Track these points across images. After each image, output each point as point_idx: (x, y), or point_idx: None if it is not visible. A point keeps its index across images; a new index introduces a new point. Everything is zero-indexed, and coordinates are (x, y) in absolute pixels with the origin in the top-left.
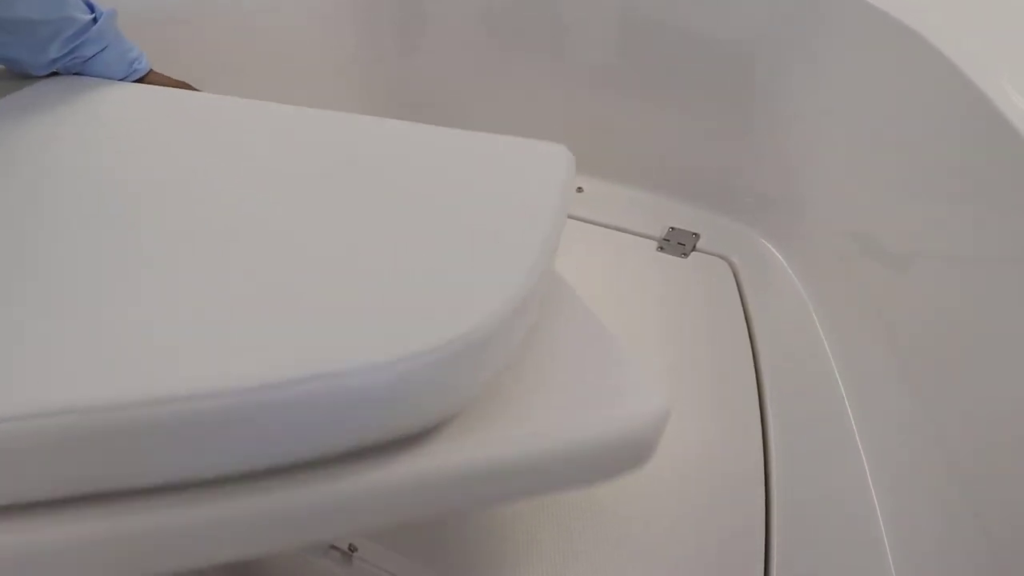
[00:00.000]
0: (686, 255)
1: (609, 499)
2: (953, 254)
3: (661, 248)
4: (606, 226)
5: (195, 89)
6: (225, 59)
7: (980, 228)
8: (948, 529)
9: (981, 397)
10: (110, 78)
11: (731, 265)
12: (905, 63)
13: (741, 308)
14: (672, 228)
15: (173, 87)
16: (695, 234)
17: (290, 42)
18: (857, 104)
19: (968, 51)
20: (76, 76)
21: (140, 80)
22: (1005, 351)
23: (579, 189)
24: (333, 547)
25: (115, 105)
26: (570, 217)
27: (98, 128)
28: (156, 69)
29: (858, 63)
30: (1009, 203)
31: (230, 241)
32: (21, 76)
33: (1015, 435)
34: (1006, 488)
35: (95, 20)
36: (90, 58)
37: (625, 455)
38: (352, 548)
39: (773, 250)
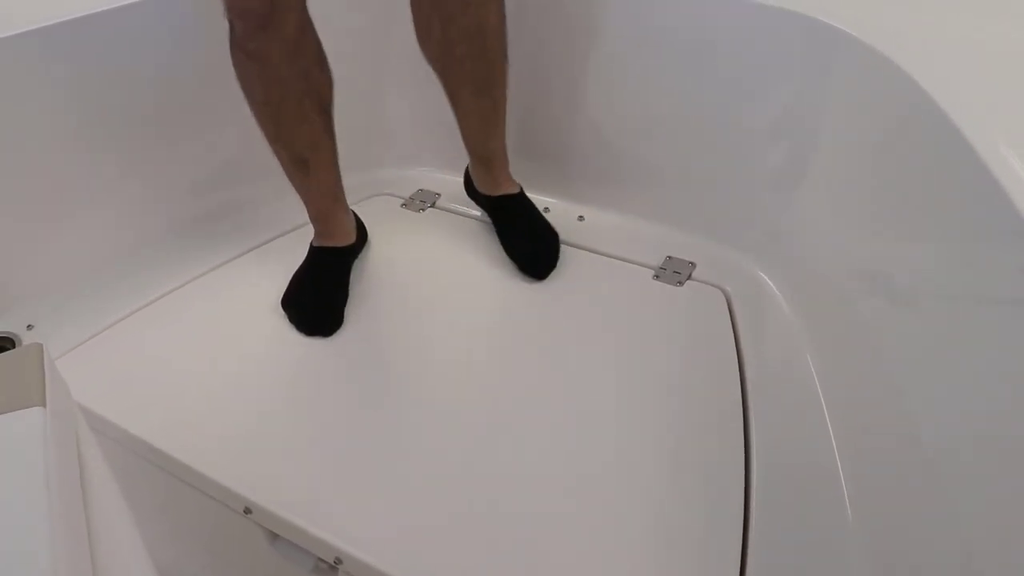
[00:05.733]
0: (681, 284)
1: (594, 522)
2: (948, 295)
3: (657, 276)
4: (603, 254)
5: None
6: None
7: (970, 269)
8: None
9: (976, 434)
10: None
11: (726, 295)
12: (905, 114)
13: (733, 338)
14: (669, 257)
15: None
16: (691, 263)
17: None
18: (857, 144)
19: (965, 104)
20: None
21: None
22: (996, 390)
23: (580, 218)
24: (320, 560)
25: None
26: (569, 245)
27: None
28: None
29: (858, 106)
30: (995, 247)
31: None
32: None
33: (1015, 478)
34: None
35: None
36: None
37: None
38: (338, 561)
39: (768, 281)
